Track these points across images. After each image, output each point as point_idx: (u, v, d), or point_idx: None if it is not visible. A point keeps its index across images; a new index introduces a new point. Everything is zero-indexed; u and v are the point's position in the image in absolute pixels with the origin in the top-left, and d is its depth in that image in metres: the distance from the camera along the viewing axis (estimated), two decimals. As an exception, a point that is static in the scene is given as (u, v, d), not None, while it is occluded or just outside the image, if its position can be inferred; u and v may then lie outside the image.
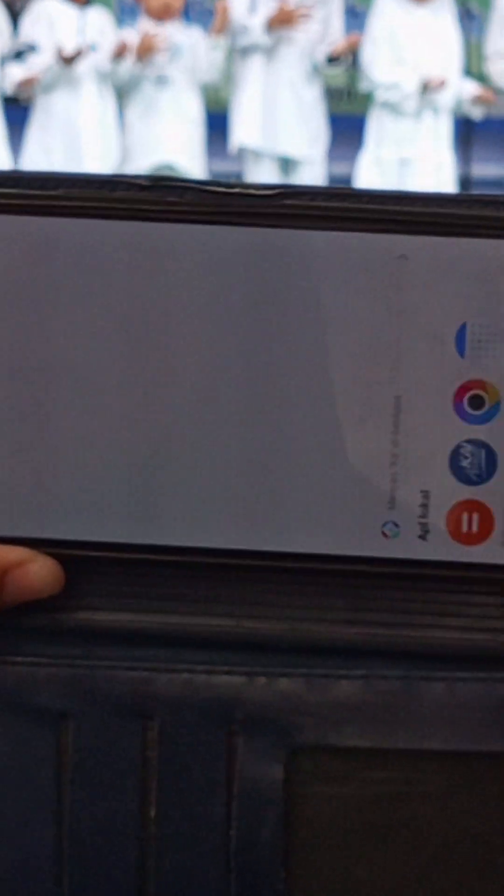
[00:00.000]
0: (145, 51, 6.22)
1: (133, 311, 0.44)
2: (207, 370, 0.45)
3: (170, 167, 6.39)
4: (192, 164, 6.53)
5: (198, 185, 0.43)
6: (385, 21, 6.46)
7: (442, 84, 6.45)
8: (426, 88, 6.52)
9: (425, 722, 0.44)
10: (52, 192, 0.43)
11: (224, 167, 6.83)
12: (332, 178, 6.80)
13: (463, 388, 0.44)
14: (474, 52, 6.84)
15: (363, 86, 6.72)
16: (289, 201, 0.42)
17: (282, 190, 0.43)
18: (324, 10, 6.34)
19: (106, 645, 0.43)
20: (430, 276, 0.43)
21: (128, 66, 6.28)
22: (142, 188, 0.43)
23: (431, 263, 0.42)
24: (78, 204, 0.43)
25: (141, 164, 6.40)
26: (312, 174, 6.64)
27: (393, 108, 6.45)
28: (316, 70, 6.46)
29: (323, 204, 0.42)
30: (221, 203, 0.42)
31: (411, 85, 6.38)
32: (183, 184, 0.43)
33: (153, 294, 0.44)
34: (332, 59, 6.36)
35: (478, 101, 6.71)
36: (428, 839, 0.45)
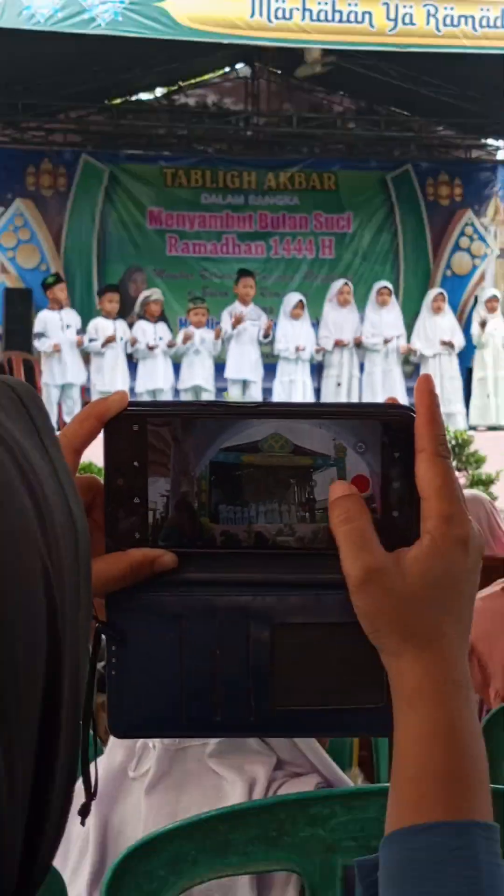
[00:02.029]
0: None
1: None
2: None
3: (200, 388, 12.03)
4: (210, 387, 12.06)
5: (227, 403, 0.81)
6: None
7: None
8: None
9: None
10: (185, 407, 0.76)
11: (223, 385, 12.28)
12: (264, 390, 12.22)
13: None
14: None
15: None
16: (263, 408, 0.75)
17: (259, 404, 0.76)
18: (261, 318, 12.13)
19: (198, 585, 0.72)
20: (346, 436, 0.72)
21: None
22: (216, 406, 0.74)
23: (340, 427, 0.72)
24: (195, 410, 0.76)
25: (185, 386, 12.05)
26: (257, 388, 12.12)
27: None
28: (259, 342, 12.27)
29: (276, 409, 0.75)
30: (239, 409, 0.74)
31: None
32: (226, 403, 0.79)
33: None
34: (265, 337, 12.22)
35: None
36: None
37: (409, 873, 0.59)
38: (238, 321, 12.10)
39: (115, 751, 1.29)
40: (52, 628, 0.45)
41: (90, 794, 0.68)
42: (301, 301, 12.51)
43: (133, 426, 0.69)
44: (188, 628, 0.71)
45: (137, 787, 1.28)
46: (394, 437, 0.70)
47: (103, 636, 0.71)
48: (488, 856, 0.59)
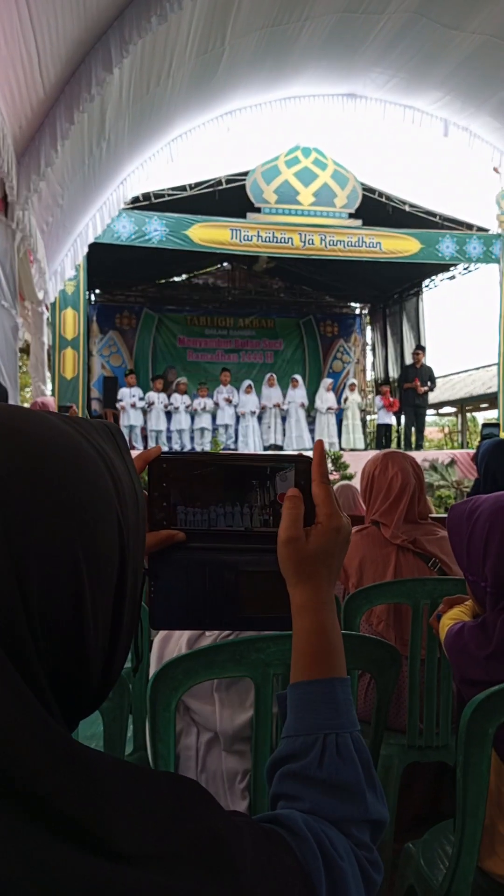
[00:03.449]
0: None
1: None
2: None
3: (204, 429, 12.27)
4: (209, 427, 12.04)
5: (214, 453, 0.72)
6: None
7: None
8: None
9: None
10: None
11: (214, 426, 12.10)
12: (235, 430, 12.82)
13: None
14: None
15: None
16: (233, 455, 0.71)
17: (231, 454, 0.74)
18: (233, 393, 11.96)
19: (197, 550, 0.70)
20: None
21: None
22: (205, 454, 0.70)
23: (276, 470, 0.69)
24: (195, 457, 0.71)
25: (196, 427, 11.87)
26: (231, 429, 12.02)
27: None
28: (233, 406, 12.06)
29: (242, 456, 0.71)
30: (219, 456, 0.69)
31: None
32: (213, 453, 0.71)
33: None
34: (234, 404, 12.03)
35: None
36: None
37: (301, 705, 0.60)
38: (225, 396, 12.00)
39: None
40: (122, 546, 0.46)
41: (139, 659, 0.68)
42: (250, 385, 12.34)
43: (163, 464, 0.68)
44: (190, 572, 0.70)
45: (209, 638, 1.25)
46: (300, 473, 0.69)
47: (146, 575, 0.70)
48: (343, 695, 0.60)
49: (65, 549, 0.41)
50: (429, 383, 11.69)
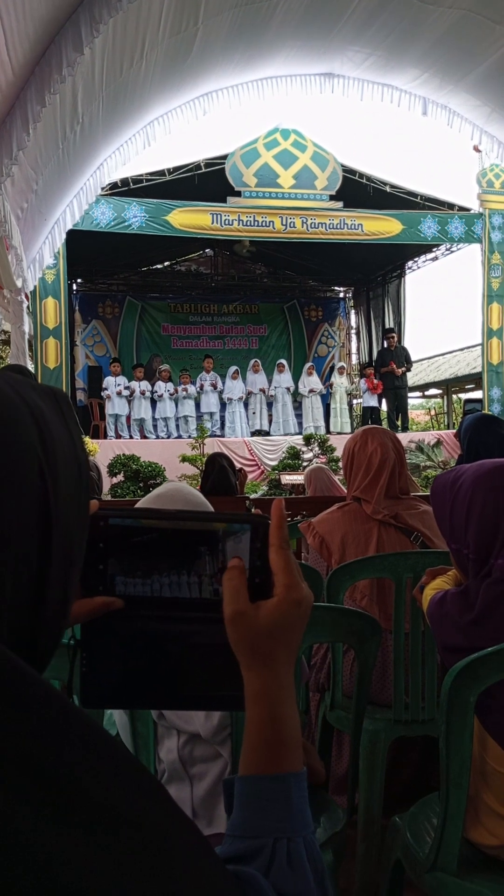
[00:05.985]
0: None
1: None
2: None
3: (188, 416, 12.30)
4: (193, 415, 11.97)
5: (155, 510, 0.66)
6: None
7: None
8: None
9: None
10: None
11: (199, 414, 11.97)
12: (221, 417, 12.45)
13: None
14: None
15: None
16: (181, 513, 0.64)
17: (178, 511, 0.64)
18: (217, 379, 11.98)
19: (137, 618, 0.63)
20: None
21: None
22: (149, 511, 0.66)
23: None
24: (137, 513, 0.65)
25: (179, 415, 11.81)
26: (217, 416, 12.08)
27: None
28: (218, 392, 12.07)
29: (189, 514, 0.64)
30: (161, 514, 0.65)
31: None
32: (154, 510, 0.66)
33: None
34: (219, 389, 12.01)
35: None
36: None
37: (249, 801, 0.55)
38: (209, 383, 12.00)
39: None
40: (45, 508, 0.42)
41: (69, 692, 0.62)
42: (237, 370, 12.28)
43: (100, 522, 0.60)
44: (129, 644, 0.63)
45: None
46: (256, 534, 0.62)
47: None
48: (298, 792, 0.56)
49: None
50: (405, 364, 11.84)
